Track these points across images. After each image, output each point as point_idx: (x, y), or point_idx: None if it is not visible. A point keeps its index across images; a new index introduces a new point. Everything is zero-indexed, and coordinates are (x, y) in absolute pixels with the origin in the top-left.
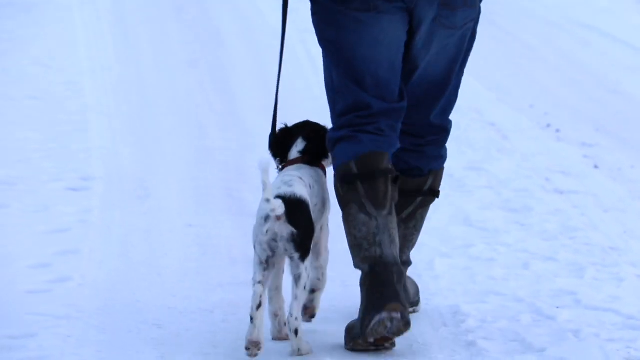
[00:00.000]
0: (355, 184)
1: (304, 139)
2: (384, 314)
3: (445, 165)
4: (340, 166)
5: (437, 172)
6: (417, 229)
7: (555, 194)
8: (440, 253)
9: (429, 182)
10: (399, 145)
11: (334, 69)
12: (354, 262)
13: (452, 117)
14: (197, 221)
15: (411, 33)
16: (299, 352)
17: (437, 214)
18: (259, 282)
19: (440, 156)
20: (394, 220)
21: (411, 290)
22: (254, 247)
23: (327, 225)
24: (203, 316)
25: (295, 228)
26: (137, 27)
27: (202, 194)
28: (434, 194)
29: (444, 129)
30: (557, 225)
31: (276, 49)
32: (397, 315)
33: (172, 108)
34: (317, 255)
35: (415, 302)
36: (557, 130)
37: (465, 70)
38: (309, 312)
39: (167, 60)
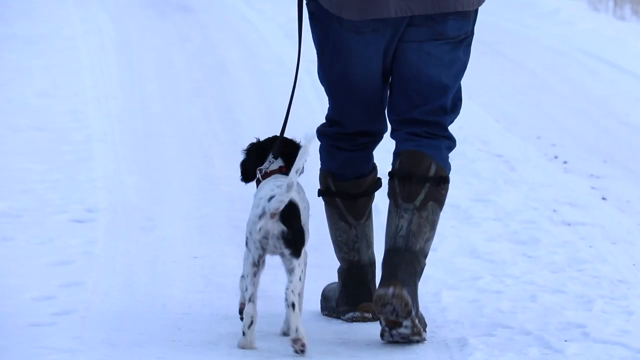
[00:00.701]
0: (334, 199)
1: (280, 156)
2: (357, 313)
3: (452, 196)
4: (322, 175)
5: (438, 163)
6: (431, 224)
7: (563, 225)
8: (447, 285)
9: (433, 169)
10: (372, 159)
11: (326, 83)
12: (335, 253)
13: (458, 147)
14: (202, 252)
15: (401, 48)
16: (296, 332)
17: (443, 245)
18: (250, 300)
19: (438, 148)
20: (370, 225)
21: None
22: (246, 243)
23: (307, 227)
24: (208, 349)
25: (287, 227)
26: (141, 56)
27: (207, 225)
28: (442, 180)
29: (437, 125)
30: (565, 257)
31: (280, 77)
32: (368, 315)
33: (177, 137)
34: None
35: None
36: (565, 162)
37: (472, 100)
38: (299, 346)
39: (172, 89)
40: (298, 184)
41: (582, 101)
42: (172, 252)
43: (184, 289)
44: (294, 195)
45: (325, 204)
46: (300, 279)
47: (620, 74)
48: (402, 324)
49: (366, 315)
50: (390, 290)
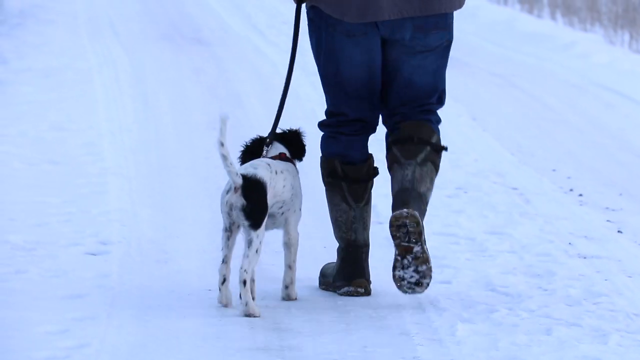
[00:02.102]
0: (340, 183)
1: (284, 144)
2: (351, 288)
3: (467, 229)
4: (326, 160)
5: (437, 135)
6: (430, 177)
7: (579, 258)
8: (462, 318)
9: (434, 137)
10: (367, 146)
11: (323, 79)
12: (334, 233)
13: (474, 180)
14: (216, 285)
15: (392, 54)
16: (246, 311)
17: (458, 278)
18: (223, 262)
19: (432, 120)
20: (368, 210)
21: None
22: (221, 212)
23: (300, 210)
24: None
25: (247, 201)
26: (156, 89)
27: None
28: (441, 149)
29: (434, 109)
30: (581, 290)
31: (295, 110)
32: (361, 290)
33: (192, 170)
34: (286, 234)
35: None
36: (580, 195)
37: (487, 133)
38: (289, 294)
39: (186, 122)
40: (290, 169)
41: (597, 134)
42: (186, 285)
43: (198, 322)
44: (262, 173)
45: (327, 188)
46: (257, 251)
47: (636, 107)
48: (413, 249)
49: (359, 290)
50: (405, 211)
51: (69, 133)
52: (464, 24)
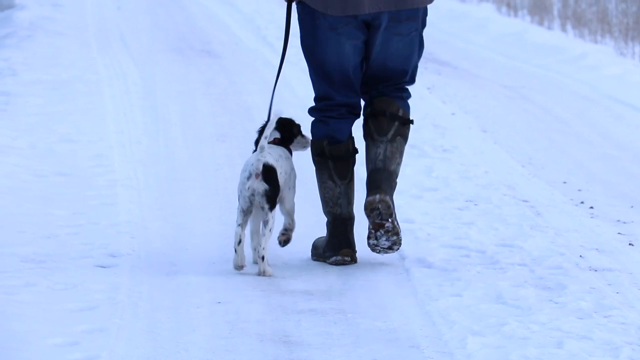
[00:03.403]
0: (327, 161)
1: (277, 129)
2: (339, 257)
3: (477, 241)
4: (316, 142)
5: (404, 109)
6: (399, 151)
7: (590, 271)
8: (473, 331)
9: (401, 111)
10: (351, 129)
11: (310, 67)
12: (322, 208)
13: (484, 192)
14: (226, 297)
15: (371, 39)
16: (263, 274)
17: (468, 291)
18: (239, 225)
19: (403, 98)
20: (352, 186)
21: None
22: (238, 199)
23: (294, 186)
24: None
25: (269, 185)
26: (166, 101)
27: (231, 270)
28: (407, 121)
29: (405, 88)
30: (592, 303)
31: (305, 122)
32: (347, 258)
33: (201, 182)
34: (286, 206)
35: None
36: (591, 207)
37: (498, 145)
38: (284, 238)
39: (196, 134)
40: (285, 155)
41: (608, 146)
42: (195, 297)
43: (208, 335)
44: (271, 161)
45: (316, 168)
46: (270, 230)
47: None
48: (385, 225)
49: (345, 258)
50: (377, 196)
51: (78, 145)
52: (474, 35)
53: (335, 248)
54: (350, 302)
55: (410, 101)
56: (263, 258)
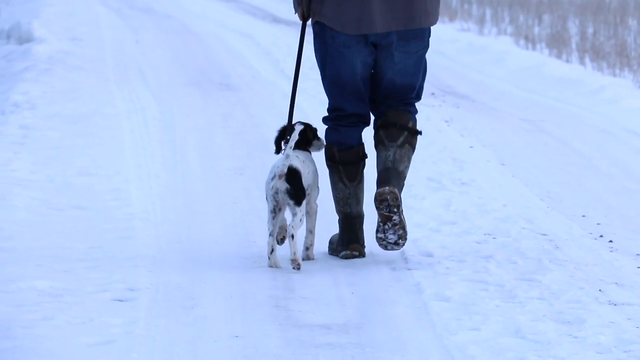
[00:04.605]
0: (338, 165)
1: (299, 134)
2: (348, 251)
3: (496, 275)
4: (328, 147)
5: (414, 121)
6: (408, 156)
7: (609, 305)
8: None
9: (411, 123)
10: (361, 136)
11: (324, 80)
12: (335, 208)
13: (503, 226)
14: (244, 331)
15: (381, 57)
16: (294, 255)
17: (487, 324)
18: (270, 235)
19: (412, 111)
20: (362, 188)
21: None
22: (266, 199)
23: (317, 187)
24: None
25: (290, 185)
26: (184, 134)
27: (249, 304)
28: (416, 132)
29: (407, 102)
30: (611, 338)
31: (324, 156)
32: (356, 253)
33: (219, 216)
34: (312, 204)
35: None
36: (610, 241)
37: (516, 178)
38: (309, 255)
39: (214, 168)
40: (308, 157)
41: (627, 180)
42: (213, 331)
43: None
44: (296, 163)
45: (329, 171)
46: (300, 220)
47: None
48: (392, 218)
49: (354, 252)
50: (387, 188)
51: (96, 178)
52: (492, 68)
53: (345, 243)
54: (368, 336)
55: (425, 131)
56: (293, 236)
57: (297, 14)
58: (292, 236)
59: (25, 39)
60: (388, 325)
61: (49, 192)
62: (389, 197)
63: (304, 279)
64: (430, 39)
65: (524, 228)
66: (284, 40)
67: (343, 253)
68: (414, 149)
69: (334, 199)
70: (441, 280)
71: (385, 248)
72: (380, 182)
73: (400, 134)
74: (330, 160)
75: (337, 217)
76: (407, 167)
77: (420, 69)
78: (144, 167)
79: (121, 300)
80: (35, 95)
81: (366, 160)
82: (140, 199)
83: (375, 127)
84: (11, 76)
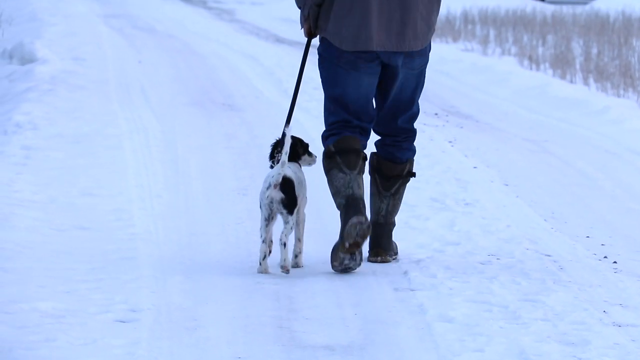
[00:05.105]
0: (335, 157)
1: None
2: (355, 219)
3: (500, 295)
4: (325, 149)
5: (411, 161)
6: (400, 199)
7: (614, 327)
8: None
9: (407, 168)
10: (367, 141)
11: (329, 98)
12: (335, 203)
13: (506, 247)
14: (247, 352)
15: (386, 74)
16: (284, 262)
17: (491, 346)
18: (263, 241)
19: (411, 149)
20: (361, 177)
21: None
22: (260, 207)
23: (305, 197)
24: None
25: (284, 194)
26: (186, 154)
27: (252, 325)
28: (411, 174)
29: (411, 130)
30: (616, 359)
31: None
32: (362, 219)
33: (222, 236)
34: (300, 214)
35: (396, 253)
36: (615, 262)
37: (520, 199)
38: (298, 262)
39: (217, 188)
40: (298, 169)
41: (631, 200)
42: (216, 352)
43: None
44: (289, 173)
45: (327, 171)
46: (291, 228)
47: None
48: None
49: (361, 219)
50: (379, 258)
51: (98, 199)
52: (496, 89)
53: (350, 216)
54: (371, 357)
55: (429, 151)
56: (285, 245)
57: (303, 29)
58: (284, 244)
59: (27, 59)
60: (391, 346)
61: (51, 213)
62: (379, 257)
63: (307, 299)
64: (432, 56)
65: (528, 249)
66: (287, 60)
67: (350, 223)
68: (406, 184)
69: (334, 192)
70: (445, 301)
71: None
72: (372, 246)
73: (394, 183)
74: (327, 157)
75: (338, 213)
76: (400, 205)
77: (420, 82)
78: (147, 188)
79: (124, 321)
80: (38, 116)
81: (365, 163)
82: (143, 219)
83: (372, 165)
84: (14, 96)
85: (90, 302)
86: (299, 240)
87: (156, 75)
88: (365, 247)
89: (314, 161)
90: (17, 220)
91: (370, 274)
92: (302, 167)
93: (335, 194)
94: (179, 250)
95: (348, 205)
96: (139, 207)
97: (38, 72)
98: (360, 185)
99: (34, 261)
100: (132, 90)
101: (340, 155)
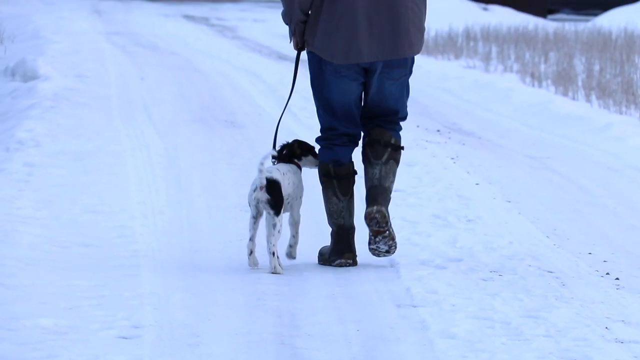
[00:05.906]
0: (332, 180)
1: (284, 150)
2: (342, 260)
3: (502, 312)
4: (322, 165)
5: (396, 137)
6: (393, 172)
7: (616, 343)
8: None
9: (393, 140)
10: (351, 154)
11: (318, 103)
12: (327, 220)
13: (509, 263)
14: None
15: (369, 82)
16: (274, 270)
17: None
18: (250, 239)
19: (397, 130)
20: (352, 202)
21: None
22: (249, 205)
23: (301, 198)
24: None
25: (270, 196)
26: (189, 171)
27: (254, 341)
28: (399, 147)
29: (398, 122)
30: None
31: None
32: (350, 261)
33: (224, 253)
34: (294, 216)
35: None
36: (617, 278)
37: (522, 216)
38: (291, 252)
39: (219, 205)
40: (292, 170)
41: (633, 217)
42: None
43: None
44: (276, 175)
45: (323, 187)
46: (278, 231)
47: None
48: (382, 232)
49: (348, 261)
50: (375, 208)
51: (101, 216)
52: (498, 106)
53: (339, 252)
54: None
55: (431, 168)
56: (274, 254)
57: (291, 42)
58: (273, 253)
59: (30, 76)
60: None
61: (53, 230)
62: (377, 215)
63: (309, 316)
64: (435, 73)
65: (530, 265)
66: (289, 77)
67: (337, 261)
68: (398, 162)
69: (327, 212)
70: (447, 317)
71: (378, 256)
72: (368, 201)
73: (384, 151)
74: (325, 176)
75: (330, 230)
76: (393, 181)
77: (403, 93)
78: (149, 204)
79: (126, 338)
80: (40, 133)
81: (355, 177)
82: (145, 236)
83: (363, 144)
84: (16, 113)
85: (93, 319)
86: (293, 236)
87: (159, 93)
88: (363, 239)
89: (317, 164)
90: (20, 237)
91: (372, 291)
92: (309, 169)
93: (328, 214)
94: (181, 266)
95: (339, 236)
96: (141, 224)
97: (40, 89)
98: (352, 212)
99: (36, 278)
100: (135, 107)
101: (337, 180)
